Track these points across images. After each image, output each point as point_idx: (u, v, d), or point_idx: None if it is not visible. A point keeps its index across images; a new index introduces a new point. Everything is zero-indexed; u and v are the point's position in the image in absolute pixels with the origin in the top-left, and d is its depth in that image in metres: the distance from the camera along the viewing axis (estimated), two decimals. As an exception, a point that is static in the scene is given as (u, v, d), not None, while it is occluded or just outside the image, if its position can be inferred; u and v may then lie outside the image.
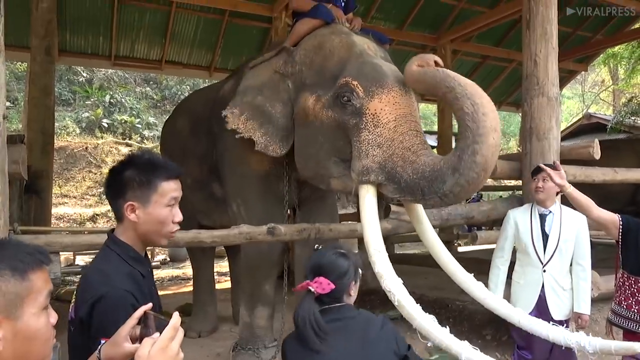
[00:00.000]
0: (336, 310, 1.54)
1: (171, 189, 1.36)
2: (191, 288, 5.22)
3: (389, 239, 6.34)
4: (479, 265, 3.69)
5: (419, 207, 2.75)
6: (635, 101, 11.24)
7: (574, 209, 2.66)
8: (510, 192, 12.03)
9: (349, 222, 5.28)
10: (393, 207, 3.38)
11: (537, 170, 2.88)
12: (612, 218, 2.47)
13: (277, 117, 3.06)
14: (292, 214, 3.86)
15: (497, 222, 5.46)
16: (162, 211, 1.34)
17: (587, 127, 11.32)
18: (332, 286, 1.51)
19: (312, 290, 1.51)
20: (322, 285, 1.51)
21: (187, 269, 9.11)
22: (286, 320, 3.52)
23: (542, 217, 2.88)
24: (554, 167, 2.72)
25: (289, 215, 3.80)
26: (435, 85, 2.33)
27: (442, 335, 2.02)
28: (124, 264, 1.31)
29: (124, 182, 1.34)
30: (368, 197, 2.53)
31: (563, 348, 2.70)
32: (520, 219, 2.95)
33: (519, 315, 2.35)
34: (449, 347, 1.95)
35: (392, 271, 2.28)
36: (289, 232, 3.11)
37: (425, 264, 5.75)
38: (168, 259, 10.93)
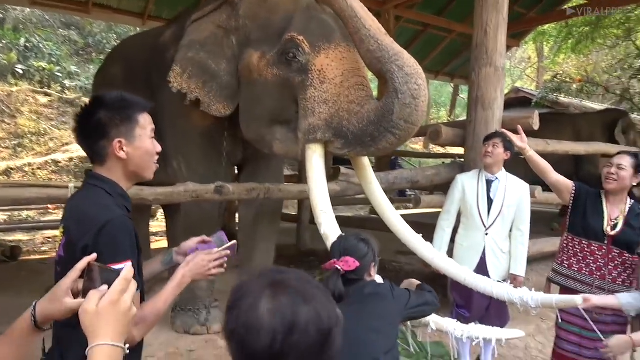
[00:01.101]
0: (357, 284, 1.67)
1: (148, 120, 1.37)
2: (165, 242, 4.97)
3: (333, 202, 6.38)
4: (420, 229, 3.78)
5: (368, 168, 2.74)
6: (559, 78, 11.99)
7: (532, 174, 2.73)
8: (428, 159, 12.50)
9: (296, 184, 5.23)
10: (342, 170, 3.35)
11: (489, 137, 2.96)
12: (566, 183, 2.58)
13: (221, 75, 2.91)
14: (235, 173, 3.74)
15: (438, 188, 5.66)
16: (148, 143, 1.36)
17: (515, 100, 11.96)
18: (358, 264, 1.64)
19: (339, 268, 1.62)
20: (348, 263, 1.63)
21: (152, 223, 8.63)
22: (219, 281, 3.49)
23: (489, 183, 2.99)
24: (515, 132, 2.77)
25: (234, 174, 3.68)
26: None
27: None
28: (114, 199, 1.31)
29: (103, 122, 1.30)
30: (315, 158, 2.49)
31: (498, 304, 2.91)
32: (467, 183, 3.04)
33: (466, 273, 2.44)
34: None
35: (338, 232, 2.26)
36: (238, 191, 2.99)
37: (363, 227, 5.87)
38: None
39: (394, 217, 2.66)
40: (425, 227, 2.67)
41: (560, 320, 2.58)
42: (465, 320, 2.94)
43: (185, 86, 2.89)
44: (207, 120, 3.16)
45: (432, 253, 2.56)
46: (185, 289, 3.62)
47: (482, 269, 2.92)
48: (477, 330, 2.09)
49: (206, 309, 3.51)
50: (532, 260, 3.90)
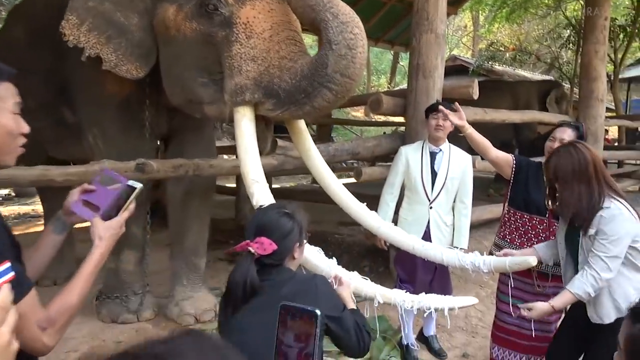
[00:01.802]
0: (275, 272, 1.40)
1: (10, 92, 1.09)
2: (43, 228, 4.51)
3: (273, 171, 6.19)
4: (360, 199, 3.68)
5: (306, 133, 2.53)
6: (493, 47, 12.23)
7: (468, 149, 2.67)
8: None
9: (231, 157, 4.95)
10: (280, 142, 3.13)
11: (434, 108, 2.84)
12: (506, 158, 2.52)
13: (132, 31, 2.56)
14: (161, 147, 3.41)
15: (379, 158, 5.58)
16: (8, 120, 1.07)
17: (452, 68, 12.08)
18: (274, 247, 1.37)
19: (252, 251, 1.36)
20: (263, 245, 1.37)
21: (37, 205, 8.00)
22: (150, 261, 3.26)
23: (433, 155, 2.89)
24: (452, 108, 2.66)
25: (158, 148, 3.34)
26: None
27: (330, 267, 1.91)
28: None
29: None
30: (244, 122, 2.24)
31: (441, 277, 2.90)
32: (411, 156, 2.93)
33: (414, 241, 2.32)
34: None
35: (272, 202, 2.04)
36: (163, 168, 2.70)
37: (302, 198, 5.71)
38: (13, 194, 9.49)
39: (336, 186, 2.48)
40: (365, 198, 2.51)
41: (500, 293, 2.57)
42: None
43: (84, 40, 2.50)
44: (124, 87, 2.81)
45: (378, 222, 2.42)
46: (109, 274, 3.31)
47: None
48: (429, 301, 1.94)
49: (136, 295, 3.24)
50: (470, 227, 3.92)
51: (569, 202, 1.96)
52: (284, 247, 1.41)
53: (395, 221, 3.01)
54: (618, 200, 1.93)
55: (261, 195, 2.07)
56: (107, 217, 1.21)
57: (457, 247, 2.88)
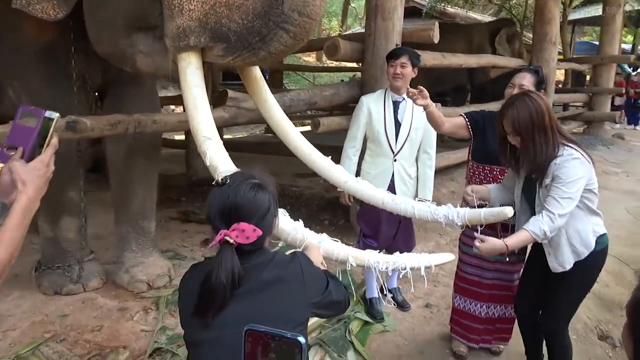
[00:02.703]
0: (254, 256, 1.21)
1: None
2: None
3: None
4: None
5: (261, 81, 2.29)
6: (447, -12, 11.99)
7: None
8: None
9: (174, 113, 4.60)
10: (230, 93, 2.86)
11: (394, 55, 2.64)
12: (459, 121, 2.43)
13: None
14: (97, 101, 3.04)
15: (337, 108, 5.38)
16: None
17: (405, 10, 11.79)
18: (259, 232, 1.17)
19: (231, 241, 1.14)
20: (245, 233, 1.15)
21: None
22: (94, 225, 2.96)
23: (396, 105, 2.73)
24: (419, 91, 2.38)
25: (95, 103, 2.98)
26: None
27: (297, 230, 1.72)
28: None
29: None
30: (190, 71, 1.95)
31: (405, 231, 2.86)
32: (373, 106, 2.76)
33: (383, 195, 2.16)
34: (306, 240, 1.69)
35: (228, 162, 1.84)
36: (98, 126, 2.38)
37: (257, 150, 5.47)
38: None
39: (297, 139, 2.27)
40: (322, 149, 2.32)
41: (463, 245, 2.54)
42: (372, 248, 2.80)
43: None
44: (45, 32, 2.43)
45: (345, 176, 2.24)
46: (47, 244, 3.00)
47: None
48: (404, 260, 1.79)
49: (79, 264, 2.98)
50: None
51: (530, 154, 1.93)
52: (266, 228, 1.22)
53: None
54: (570, 146, 1.93)
55: (215, 154, 1.83)
56: (31, 157, 1.05)
57: (421, 200, 2.80)
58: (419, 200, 2.79)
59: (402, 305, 3.06)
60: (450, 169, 5.11)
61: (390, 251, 2.79)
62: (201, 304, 1.16)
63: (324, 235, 1.77)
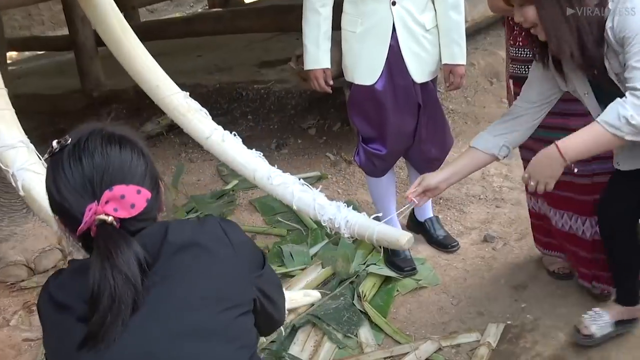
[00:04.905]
0: (152, 235, 0.79)
1: None
2: None
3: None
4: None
5: None
6: None
7: None
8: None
9: None
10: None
11: None
12: None
13: None
14: None
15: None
16: None
17: None
18: (148, 193, 0.75)
19: (109, 219, 0.71)
20: (127, 199, 0.72)
21: None
22: None
23: None
24: None
25: None
26: None
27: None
28: None
29: None
30: None
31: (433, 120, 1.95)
32: None
33: (256, 166, 1.62)
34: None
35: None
36: None
37: (191, 33, 4.12)
38: None
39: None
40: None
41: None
42: (381, 159, 1.89)
43: None
44: None
45: (209, 126, 1.64)
46: None
47: (396, 65, 1.75)
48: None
49: None
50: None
51: (563, 46, 1.27)
52: (155, 190, 0.80)
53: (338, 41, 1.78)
54: None
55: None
56: None
57: (448, 65, 1.81)
58: (444, 67, 1.83)
59: (444, 245, 2.05)
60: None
61: (412, 160, 1.98)
62: (95, 330, 0.72)
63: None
